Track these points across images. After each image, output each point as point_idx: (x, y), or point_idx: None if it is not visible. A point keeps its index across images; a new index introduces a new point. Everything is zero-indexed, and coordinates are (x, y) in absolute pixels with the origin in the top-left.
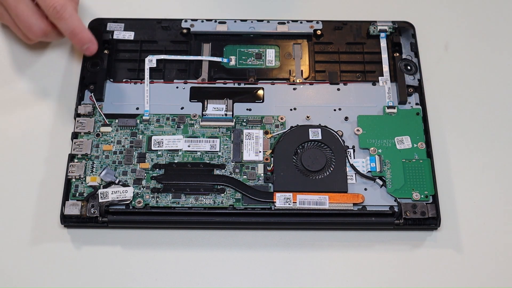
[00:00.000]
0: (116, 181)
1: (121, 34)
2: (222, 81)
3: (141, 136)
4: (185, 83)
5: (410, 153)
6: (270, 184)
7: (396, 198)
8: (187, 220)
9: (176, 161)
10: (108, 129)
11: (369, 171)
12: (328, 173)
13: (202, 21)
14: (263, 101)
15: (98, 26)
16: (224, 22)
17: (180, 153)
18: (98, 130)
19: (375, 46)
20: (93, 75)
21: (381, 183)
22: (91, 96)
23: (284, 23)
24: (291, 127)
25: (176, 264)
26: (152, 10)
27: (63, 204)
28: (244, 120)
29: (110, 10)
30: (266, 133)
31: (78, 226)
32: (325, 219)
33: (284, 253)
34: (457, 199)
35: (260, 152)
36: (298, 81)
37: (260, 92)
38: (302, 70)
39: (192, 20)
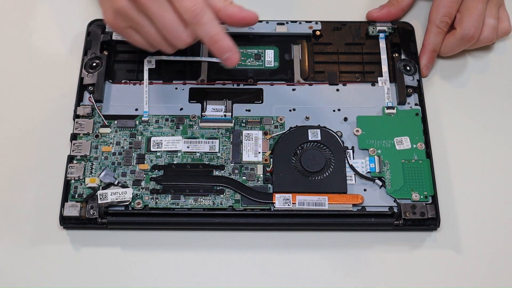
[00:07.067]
0: (115, 182)
1: None
2: (221, 82)
3: (140, 137)
4: (184, 84)
5: (410, 153)
6: (269, 185)
7: (395, 198)
8: (186, 221)
9: (175, 162)
10: (107, 130)
11: (368, 172)
12: (327, 174)
13: None
14: (262, 102)
15: (97, 27)
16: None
17: (179, 154)
18: (97, 131)
19: (374, 46)
20: (92, 76)
21: (380, 183)
22: (90, 97)
23: (283, 24)
24: (290, 127)
25: (176, 265)
26: None
27: (62, 206)
28: (243, 121)
29: None
30: (265, 134)
31: (77, 227)
32: (324, 220)
33: (284, 254)
34: (456, 199)
35: (259, 153)
36: (297, 82)
37: (259, 92)
38: (301, 71)
39: None
